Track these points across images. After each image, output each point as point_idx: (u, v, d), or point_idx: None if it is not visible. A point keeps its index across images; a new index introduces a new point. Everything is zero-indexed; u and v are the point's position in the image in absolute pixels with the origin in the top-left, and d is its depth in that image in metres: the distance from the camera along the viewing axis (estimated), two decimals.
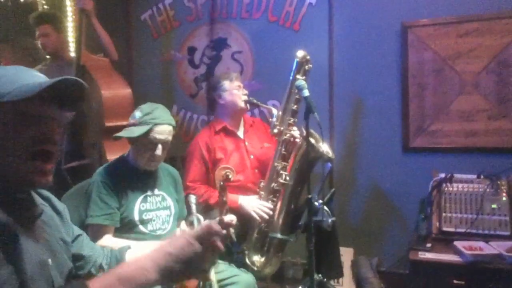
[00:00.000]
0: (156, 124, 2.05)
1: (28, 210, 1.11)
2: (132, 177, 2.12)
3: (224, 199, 1.42)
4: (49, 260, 1.12)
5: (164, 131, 2.07)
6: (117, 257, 1.44)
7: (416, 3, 3.09)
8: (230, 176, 1.44)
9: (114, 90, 3.08)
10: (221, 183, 1.44)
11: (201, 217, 2.08)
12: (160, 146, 2.06)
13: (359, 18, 3.26)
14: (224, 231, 1.22)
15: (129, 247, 1.49)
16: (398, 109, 3.16)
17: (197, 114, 3.77)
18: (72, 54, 3.29)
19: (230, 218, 1.38)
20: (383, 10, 3.18)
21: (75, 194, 2.16)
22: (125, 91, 3.15)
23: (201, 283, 1.41)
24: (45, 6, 3.64)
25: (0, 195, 1.03)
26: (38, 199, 1.19)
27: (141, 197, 2.11)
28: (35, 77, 1.08)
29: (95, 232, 1.95)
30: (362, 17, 3.25)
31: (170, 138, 2.12)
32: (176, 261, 1.02)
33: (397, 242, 3.17)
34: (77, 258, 1.34)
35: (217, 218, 1.38)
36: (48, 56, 3.28)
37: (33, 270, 1.03)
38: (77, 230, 1.39)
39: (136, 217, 2.07)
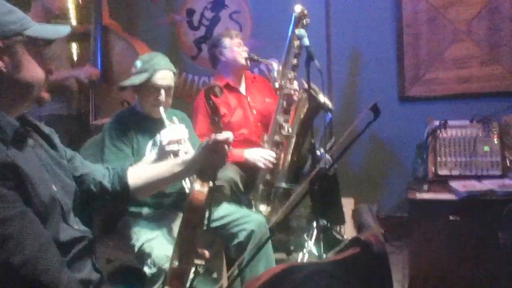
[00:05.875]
0: (156, 70, 2.14)
1: (22, 138, 1.17)
2: (140, 124, 2.22)
3: (216, 119, 1.46)
4: (53, 186, 1.20)
5: (165, 76, 2.16)
6: (119, 174, 1.49)
7: None
8: (218, 94, 1.48)
9: (143, 48, 3.19)
10: (211, 102, 1.48)
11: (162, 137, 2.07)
12: (162, 91, 2.15)
13: None
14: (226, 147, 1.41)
15: (130, 165, 1.57)
16: (394, 59, 3.27)
17: (199, 75, 3.85)
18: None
19: (226, 135, 1.45)
20: None
21: (93, 145, 2.28)
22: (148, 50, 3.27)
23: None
24: None
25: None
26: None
27: (151, 142, 2.20)
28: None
29: None
30: None
31: (172, 83, 2.21)
32: (195, 159, 1.43)
33: (396, 188, 3.31)
34: (75, 178, 1.39)
35: (212, 137, 1.41)
36: None
37: (48, 201, 1.13)
38: (70, 152, 1.44)
39: None
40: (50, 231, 1.12)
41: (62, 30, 1.24)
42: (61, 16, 3.24)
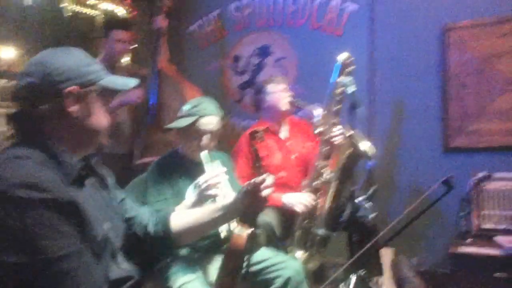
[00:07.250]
0: (201, 116, 2.19)
1: (83, 177, 1.23)
2: (182, 167, 2.26)
3: (257, 164, 1.50)
4: (105, 226, 1.24)
5: (209, 122, 2.21)
6: (162, 220, 1.52)
7: (456, 5, 3.20)
8: (261, 137, 1.52)
9: (194, 93, 3.25)
10: (254, 147, 1.52)
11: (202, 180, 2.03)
12: (205, 136, 2.19)
13: (400, 22, 3.38)
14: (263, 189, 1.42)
15: (173, 210, 1.59)
16: (438, 109, 3.25)
17: (241, 119, 3.94)
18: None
19: (263, 177, 1.44)
20: (423, 13, 3.31)
21: (137, 185, 2.33)
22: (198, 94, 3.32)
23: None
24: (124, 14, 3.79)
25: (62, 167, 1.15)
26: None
27: (192, 185, 2.20)
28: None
29: None
30: (403, 21, 3.37)
31: (216, 128, 2.24)
32: (234, 203, 1.45)
33: (438, 242, 3.21)
34: (124, 220, 1.45)
35: (252, 181, 1.44)
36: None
37: (101, 240, 1.18)
38: (120, 194, 1.49)
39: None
40: (101, 270, 1.16)
41: (131, 82, 1.35)
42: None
